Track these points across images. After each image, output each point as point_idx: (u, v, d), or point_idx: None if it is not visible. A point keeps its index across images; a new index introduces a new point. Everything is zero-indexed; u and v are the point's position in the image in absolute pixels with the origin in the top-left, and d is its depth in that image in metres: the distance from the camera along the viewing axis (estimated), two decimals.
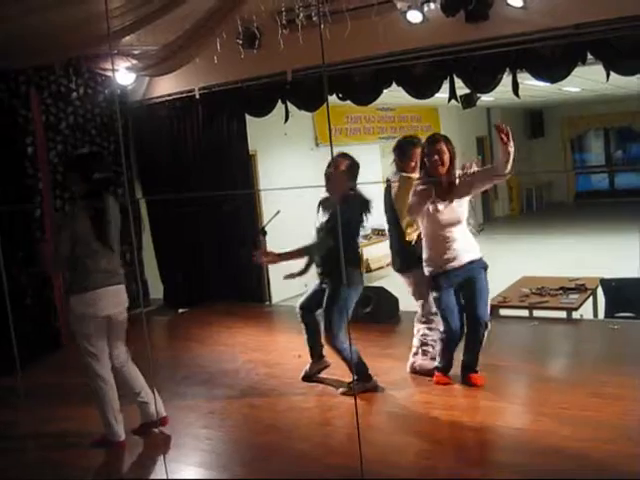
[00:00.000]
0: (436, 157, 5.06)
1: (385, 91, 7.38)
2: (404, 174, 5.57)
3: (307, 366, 5.86)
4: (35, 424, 5.09)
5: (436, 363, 5.47)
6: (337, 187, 5.28)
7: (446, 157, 5.08)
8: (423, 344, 5.74)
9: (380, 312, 7.33)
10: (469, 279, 5.18)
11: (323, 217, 5.40)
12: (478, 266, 5.22)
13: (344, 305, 5.21)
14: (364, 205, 5.29)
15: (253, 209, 9.20)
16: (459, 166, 5.17)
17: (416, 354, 5.76)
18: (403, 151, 5.63)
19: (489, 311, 5.35)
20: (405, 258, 5.65)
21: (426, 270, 5.23)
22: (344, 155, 5.42)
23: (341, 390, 5.47)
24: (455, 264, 5.12)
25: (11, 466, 4.60)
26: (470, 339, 5.29)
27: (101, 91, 8.64)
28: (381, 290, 7.60)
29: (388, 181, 5.78)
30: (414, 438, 4.69)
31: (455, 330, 5.24)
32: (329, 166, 5.35)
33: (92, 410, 5.07)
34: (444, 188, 5.08)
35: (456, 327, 5.24)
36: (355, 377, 5.37)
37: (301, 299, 5.76)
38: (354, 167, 5.35)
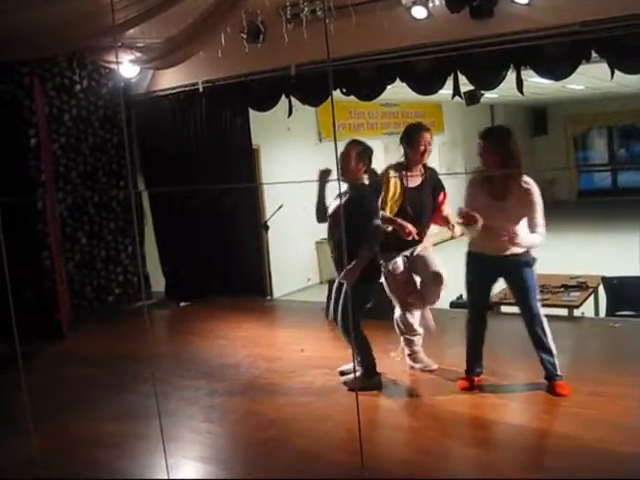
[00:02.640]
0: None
1: (389, 87, 7.37)
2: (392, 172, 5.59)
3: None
4: (36, 416, 5.09)
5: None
6: (348, 173, 5.30)
7: (491, 156, 4.93)
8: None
9: (381, 308, 7.32)
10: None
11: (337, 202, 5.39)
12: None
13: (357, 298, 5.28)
14: (378, 190, 5.31)
15: (255, 203, 9.21)
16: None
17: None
18: (411, 138, 5.59)
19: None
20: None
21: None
22: (355, 141, 5.43)
23: (343, 379, 5.49)
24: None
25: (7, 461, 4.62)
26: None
27: (105, 84, 8.66)
28: (382, 286, 7.58)
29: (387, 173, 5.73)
30: (415, 434, 4.69)
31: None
32: (342, 152, 5.35)
33: (93, 401, 5.09)
34: (498, 187, 4.99)
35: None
36: (361, 370, 5.39)
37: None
38: (365, 153, 5.34)
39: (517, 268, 5.10)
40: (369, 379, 5.37)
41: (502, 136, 4.96)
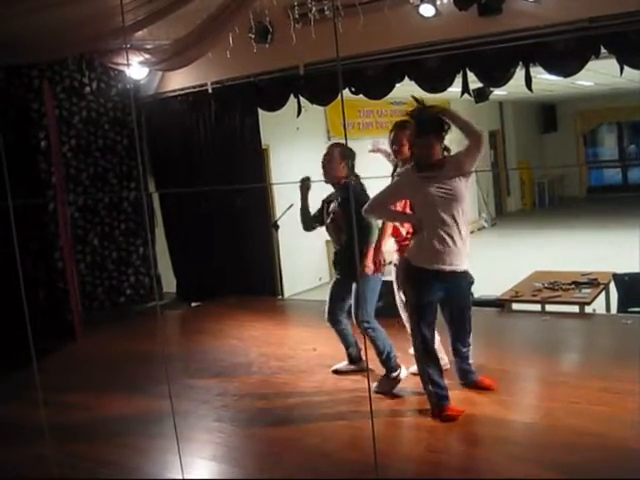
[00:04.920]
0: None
1: (397, 85, 7.36)
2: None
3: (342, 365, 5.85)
4: (49, 416, 5.13)
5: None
6: (332, 175, 5.38)
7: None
8: None
9: (392, 306, 7.31)
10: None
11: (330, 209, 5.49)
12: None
13: (366, 295, 5.31)
14: (363, 193, 5.31)
15: (265, 203, 9.22)
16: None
17: None
18: (391, 136, 5.50)
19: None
20: None
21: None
22: (336, 144, 5.51)
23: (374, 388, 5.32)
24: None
25: (22, 461, 4.64)
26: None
27: (114, 85, 8.70)
28: (392, 284, 7.57)
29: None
30: (427, 433, 4.69)
31: None
32: (324, 156, 5.44)
33: (106, 402, 5.10)
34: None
35: None
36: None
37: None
38: (346, 154, 5.32)
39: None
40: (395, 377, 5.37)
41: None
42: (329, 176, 5.42)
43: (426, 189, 4.60)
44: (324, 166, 5.45)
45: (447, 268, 4.64)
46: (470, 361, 5.15)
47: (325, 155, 5.44)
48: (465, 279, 4.84)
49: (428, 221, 4.65)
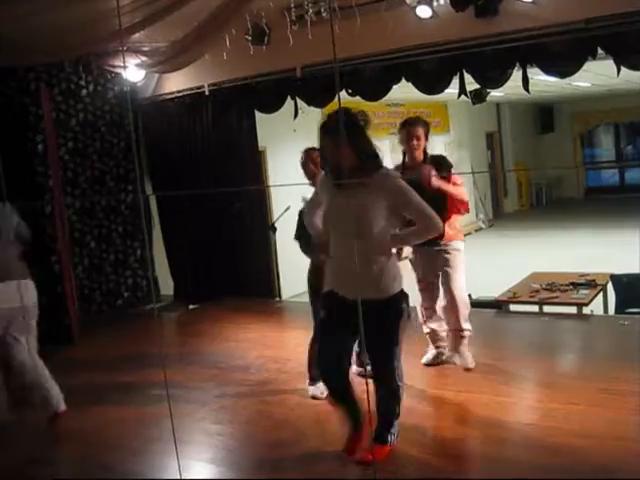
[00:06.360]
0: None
1: (394, 87, 7.36)
2: None
3: None
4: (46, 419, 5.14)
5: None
6: (314, 176, 5.31)
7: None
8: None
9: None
10: None
11: None
12: None
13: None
14: None
15: (263, 205, 9.22)
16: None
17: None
18: (400, 135, 5.57)
19: None
20: None
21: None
22: (313, 148, 5.41)
23: None
24: None
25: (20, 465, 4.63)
26: None
27: (111, 88, 8.71)
28: None
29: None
30: (425, 433, 4.69)
31: None
32: (305, 159, 5.49)
33: (104, 404, 5.09)
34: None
35: None
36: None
37: None
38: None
39: None
40: None
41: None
42: (312, 178, 5.34)
43: (333, 198, 4.10)
44: (306, 169, 5.46)
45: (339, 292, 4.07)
46: None
47: (306, 159, 5.51)
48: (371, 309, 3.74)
49: (331, 236, 4.12)
